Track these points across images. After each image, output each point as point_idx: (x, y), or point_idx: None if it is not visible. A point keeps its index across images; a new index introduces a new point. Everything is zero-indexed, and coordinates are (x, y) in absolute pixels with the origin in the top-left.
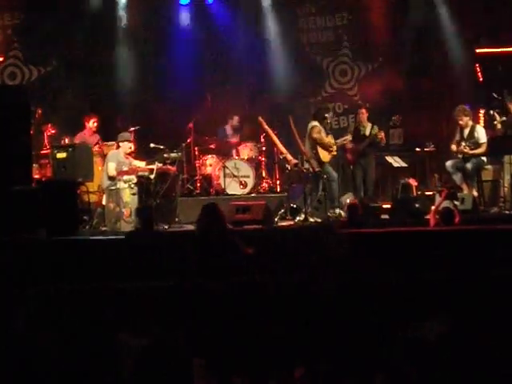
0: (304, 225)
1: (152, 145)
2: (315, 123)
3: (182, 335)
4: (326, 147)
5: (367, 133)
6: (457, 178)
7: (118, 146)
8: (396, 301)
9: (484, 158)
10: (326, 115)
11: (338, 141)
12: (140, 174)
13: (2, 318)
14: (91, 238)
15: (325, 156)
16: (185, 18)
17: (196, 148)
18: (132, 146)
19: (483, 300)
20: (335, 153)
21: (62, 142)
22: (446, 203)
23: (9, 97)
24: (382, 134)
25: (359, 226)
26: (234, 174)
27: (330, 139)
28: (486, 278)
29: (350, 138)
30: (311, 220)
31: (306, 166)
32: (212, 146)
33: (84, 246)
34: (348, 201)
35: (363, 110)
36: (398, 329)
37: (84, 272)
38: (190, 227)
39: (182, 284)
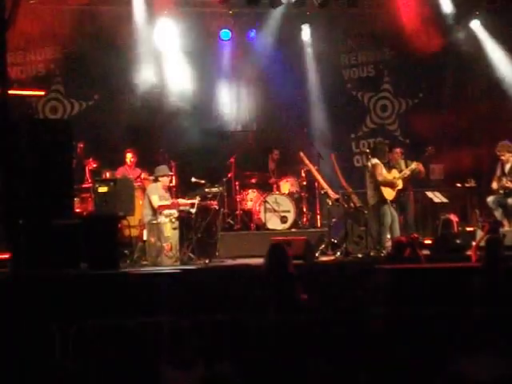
0: (346, 260)
1: (193, 179)
2: (375, 161)
3: (230, 369)
4: (390, 185)
5: (403, 169)
6: (498, 213)
7: (156, 180)
8: (440, 335)
9: None
10: (386, 149)
11: (403, 172)
12: (181, 208)
13: (44, 354)
14: (134, 272)
15: (389, 193)
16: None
17: (237, 183)
18: (173, 179)
19: None
20: (401, 186)
21: (104, 176)
22: None
23: (52, 131)
24: (420, 166)
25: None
26: (275, 209)
27: (393, 174)
28: None
29: (415, 166)
30: (358, 255)
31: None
32: (253, 181)
33: (127, 280)
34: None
35: (398, 150)
36: (443, 364)
37: (126, 306)
38: (231, 262)
39: (230, 318)
